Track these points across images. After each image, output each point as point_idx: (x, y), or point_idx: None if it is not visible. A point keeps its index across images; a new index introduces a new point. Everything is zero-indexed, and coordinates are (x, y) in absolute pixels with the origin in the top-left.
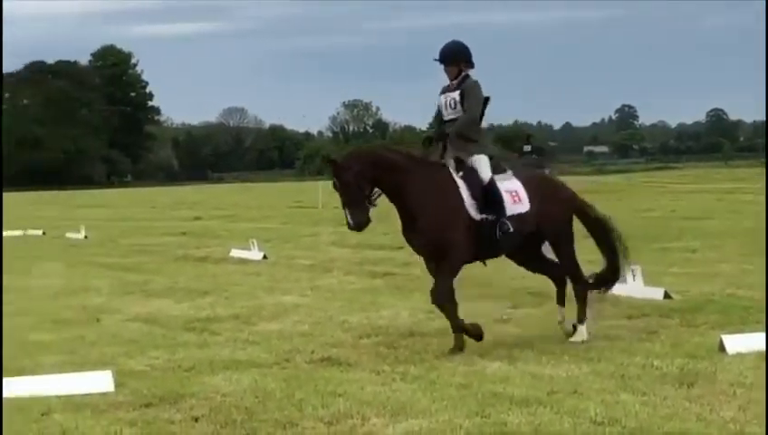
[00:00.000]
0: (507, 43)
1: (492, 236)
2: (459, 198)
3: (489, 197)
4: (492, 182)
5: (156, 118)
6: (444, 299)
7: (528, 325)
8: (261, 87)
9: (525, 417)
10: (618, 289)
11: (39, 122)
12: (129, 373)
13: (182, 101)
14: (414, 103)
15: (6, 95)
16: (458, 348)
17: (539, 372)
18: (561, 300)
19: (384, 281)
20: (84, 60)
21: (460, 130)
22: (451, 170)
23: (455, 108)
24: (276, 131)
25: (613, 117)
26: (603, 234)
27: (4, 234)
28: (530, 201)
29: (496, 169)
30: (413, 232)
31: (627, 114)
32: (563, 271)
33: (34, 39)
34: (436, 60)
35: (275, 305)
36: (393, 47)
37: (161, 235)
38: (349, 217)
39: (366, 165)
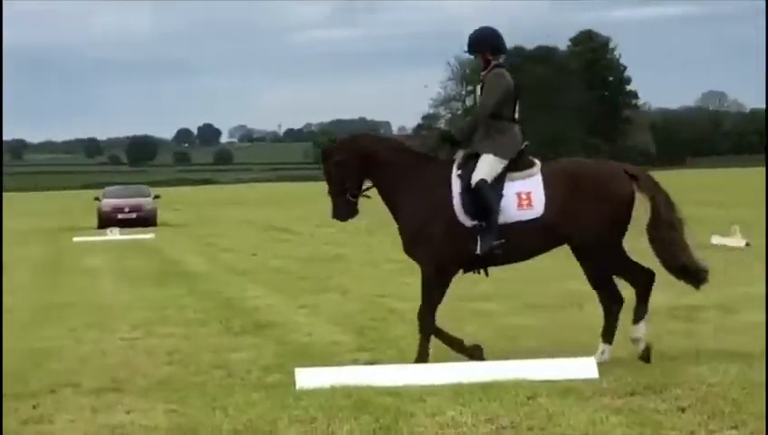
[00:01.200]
0: None
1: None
2: (446, 202)
3: (476, 201)
4: (481, 184)
5: (633, 102)
6: (430, 329)
7: None
8: (743, 70)
9: None
10: None
11: None
12: (613, 361)
13: (661, 86)
14: None
15: None
16: (422, 357)
17: None
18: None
19: None
20: (563, 46)
21: (471, 126)
22: (454, 168)
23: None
24: (756, 115)
25: None
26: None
27: None
28: (548, 204)
29: (520, 164)
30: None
31: None
32: (595, 282)
33: (512, 27)
34: (464, 51)
35: (760, 295)
36: None
37: None
38: (332, 207)
39: (349, 156)
